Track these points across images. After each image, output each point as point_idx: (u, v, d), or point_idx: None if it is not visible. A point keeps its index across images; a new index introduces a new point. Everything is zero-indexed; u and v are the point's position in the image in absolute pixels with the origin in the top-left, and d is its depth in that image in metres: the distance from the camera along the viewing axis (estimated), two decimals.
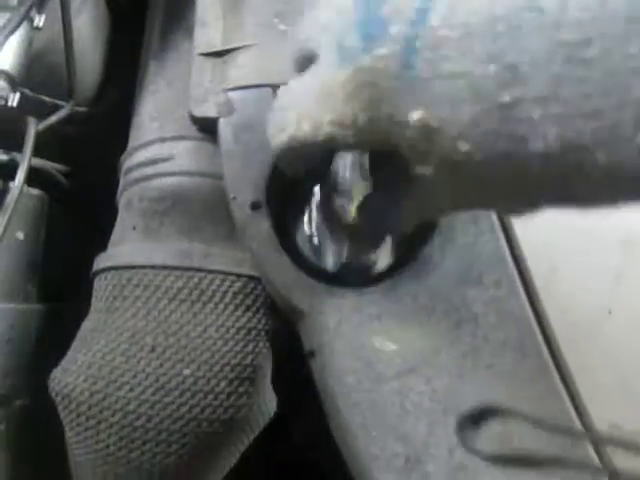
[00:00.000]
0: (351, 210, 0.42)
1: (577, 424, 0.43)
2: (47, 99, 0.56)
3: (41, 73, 0.54)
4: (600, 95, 0.19)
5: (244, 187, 0.43)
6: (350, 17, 0.26)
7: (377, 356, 0.43)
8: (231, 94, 0.45)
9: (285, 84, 0.44)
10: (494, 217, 0.45)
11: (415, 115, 0.23)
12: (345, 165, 0.44)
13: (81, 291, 0.50)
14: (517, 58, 0.20)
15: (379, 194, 0.34)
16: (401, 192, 0.31)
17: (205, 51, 0.47)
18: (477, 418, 0.41)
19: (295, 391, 0.53)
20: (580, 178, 0.21)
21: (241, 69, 0.46)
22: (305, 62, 0.31)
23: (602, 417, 0.43)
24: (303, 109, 0.28)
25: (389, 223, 0.37)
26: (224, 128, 0.44)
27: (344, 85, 0.26)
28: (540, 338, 0.44)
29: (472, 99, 0.21)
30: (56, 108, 0.56)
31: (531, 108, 0.20)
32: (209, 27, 0.48)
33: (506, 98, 0.21)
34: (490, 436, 0.41)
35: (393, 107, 0.24)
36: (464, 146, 0.22)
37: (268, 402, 0.48)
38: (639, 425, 0.43)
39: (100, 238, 0.51)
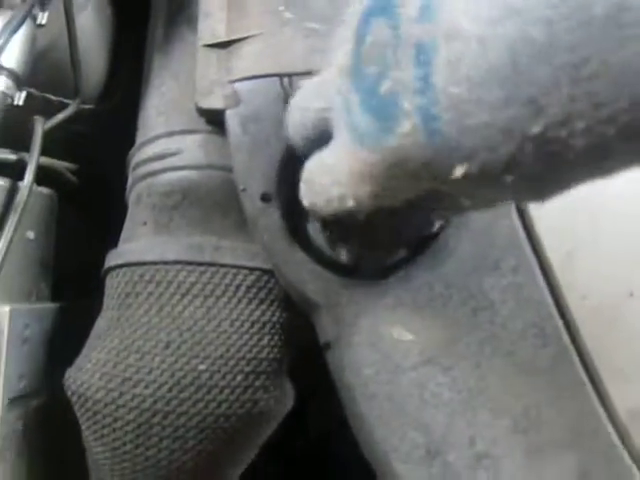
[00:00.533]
0: None
1: (599, 409, 0.42)
2: (53, 97, 0.56)
3: (46, 71, 0.53)
4: (612, 101, 0.20)
5: (254, 179, 0.43)
6: (351, 98, 0.27)
7: (395, 347, 0.43)
8: (237, 85, 0.44)
9: (292, 74, 0.44)
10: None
11: (458, 172, 0.24)
12: None
13: (94, 289, 0.50)
14: (530, 93, 0.21)
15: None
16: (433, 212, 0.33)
17: (209, 42, 0.46)
18: None
19: (310, 383, 0.52)
20: (612, 164, 0.23)
21: (246, 59, 0.45)
22: (319, 132, 0.32)
23: (624, 401, 0.42)
24: (344, 188, 0.29)
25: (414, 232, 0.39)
26: (231, 119, 0.44)
27: (377, 166, 0.27)
28: (560, 324, 0.43)
29: (504, 141, 0.22)
30: (62, 106, 0.56)
31: (558, 130, 0.21)
32: (213, 18, 0.47)
33: (534, 130, 0.22)
34: None
35: (432, 173, 0.25)
36: (509, 178, 0.23)
37: (285, 395, 0.48)
38: None
39: (111, 235, 0.51)
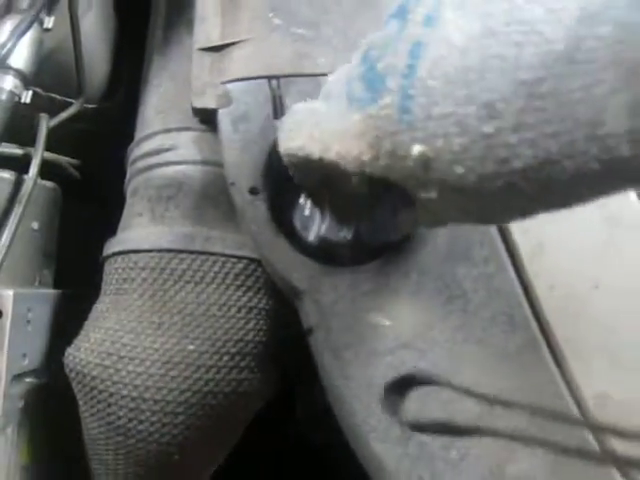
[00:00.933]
0: None
1: (565, 394, 0.44)
2: (58, 97, 0.59)
3: (51, 72, 0.57)
4: (557, 121, 0.24)
5: (242, 173, 0.46)
6: (356, 70, 0.32)
7: (372, 331, 0.45)
8: (229, 86, 0.47)
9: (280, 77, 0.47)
10: None
11: (415, 150, 0.27)
12: None
13: (93, 276, 0.53)
14: (490, 97, 0.25)
15: (376, 210, 0.38)
16: (399, 211, 0.35)
17: (204, 46, 0.49)
18: (402, 386, 0.44)
19: (299, 369, 0.55)
20: (556, 185, 0.26)
21: (238, 62, 0.48)
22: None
23: (590, 387, 0.44)
24: (316, 134, 0.33)
25: (386, 233, 0.41)
26: (223, 118, 0.47)
27: (354, 128, 0.31)
28: (529, 312, 0.45)
29: (460, 133, 0.26)
30: (67, 105, 0.59)
31: (508, 135, 0.25)
32: (208, 22, 0.50)
33: (488, 129, 0.25)
34: (414, 404, 0.43)
35: (395, 144, 0.29)
36: (458, 169, 0.27)
37: (270, 377, 0.50)
38: (625, 394, 0.45)
39: (111, 226, 0.54)
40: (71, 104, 0.59)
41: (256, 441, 0.55)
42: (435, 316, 0.45)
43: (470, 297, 0.45)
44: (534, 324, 0.45)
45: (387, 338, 0.45)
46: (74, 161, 0.63)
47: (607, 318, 0.46)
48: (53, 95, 0.59)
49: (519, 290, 0.45)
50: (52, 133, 0.57)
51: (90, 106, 0.61)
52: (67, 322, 0.54)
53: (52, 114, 0.58)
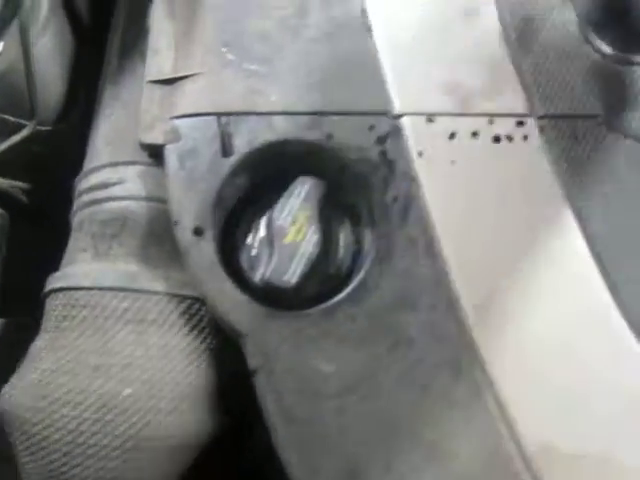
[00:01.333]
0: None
1: (508, 443, 0.44)
2: (11, 118, 0.58)
3: (3, 93, 0.56)
4: None
5: (187, 212, 0.45)
6: None
7: (316, 376, 0.45)
8: (177, 122, 0.46)
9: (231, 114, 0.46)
10: (431, 241, 0.46)
11: None
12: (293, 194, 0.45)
13: (39, 305, 0.52)
14: None
15: None
16: None
17: (155, 78, 0.49)
18: None
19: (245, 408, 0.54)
20: None
21: (188, 97, 0.47)
22: None
23: (534, 436, 0.44)
24: None
25: None
26: (170, 154, 0.46)
27: None
28: (474, 360, 0.45)
29: None
30: (21, 127, 0.58)
31: None
32: (160, 55, 0.49)
33: None
34: None
35: None
36: None
37: (212, 418, 0.49)
38: (572, 445, 0.45)
39: (60, 252, 0.53)
40: (25, 126, 0.58)
41: (215, 472, 0.54)
42: (380, 362, 0.45)
43: (415, 344, 0.45)
44: (479, 372, 0.45)
45: (331, 383, 0.45)
46: (24, 185, 0.62)
47: (553, 368, 0.46)
48: (6, 117, 0.58)
49: (465, 337, 0.45)
50: (4, 156, 0.55)
51: (44, 128, 0.60)
52: (14, 352, 0.53)
53: (5, 136, 0.57)
